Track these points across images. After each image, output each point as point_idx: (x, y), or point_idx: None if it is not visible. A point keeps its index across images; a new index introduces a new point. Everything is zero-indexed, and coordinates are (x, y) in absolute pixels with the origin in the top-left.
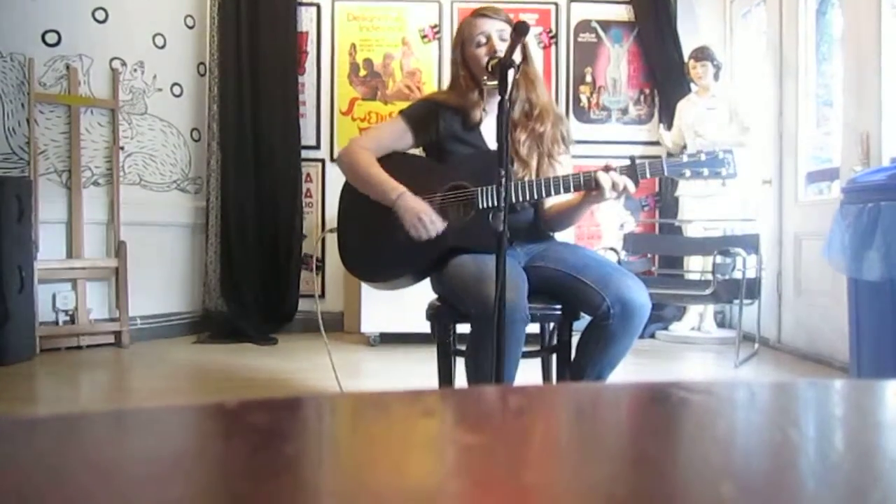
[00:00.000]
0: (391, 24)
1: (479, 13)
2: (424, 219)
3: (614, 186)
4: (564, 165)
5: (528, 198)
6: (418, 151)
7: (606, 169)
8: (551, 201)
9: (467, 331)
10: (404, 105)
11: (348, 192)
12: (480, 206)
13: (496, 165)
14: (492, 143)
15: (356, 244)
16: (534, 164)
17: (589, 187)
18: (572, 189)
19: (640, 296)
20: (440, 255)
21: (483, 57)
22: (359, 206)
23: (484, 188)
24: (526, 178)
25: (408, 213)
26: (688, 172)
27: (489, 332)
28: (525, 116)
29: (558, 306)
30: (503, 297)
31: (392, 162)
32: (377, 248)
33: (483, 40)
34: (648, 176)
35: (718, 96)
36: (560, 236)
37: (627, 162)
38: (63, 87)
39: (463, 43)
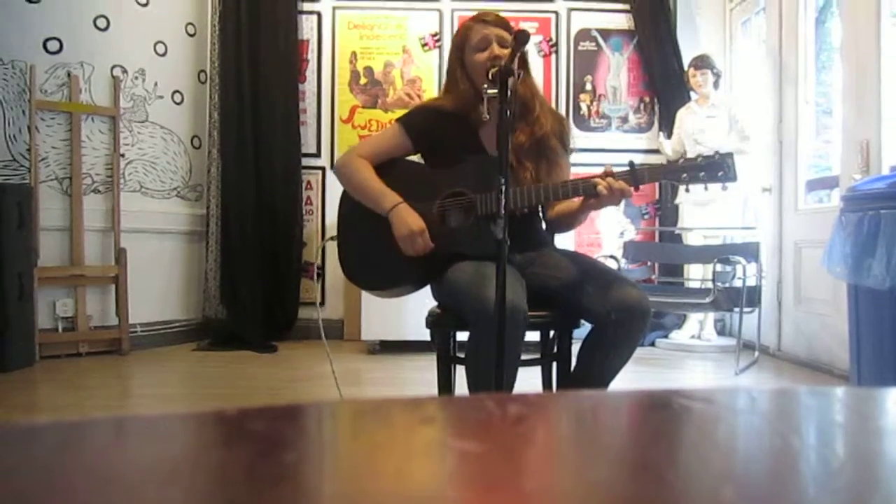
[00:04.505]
0: (392, 33)
1: (479, 19)
2: (416, 235)
3: (612, 192)
4: (564, 169)
5: (527, 204)
6: (417, 158)
7: (606, 175)
8: (554, 205)
9: (467, 338)
10: (405, 113)
11: (346, 201)
12: (480, 213)
13: (496, 172)
14: (491, 148)
15: (356, 253)
16: (533, 167)
17: (588, 193)
18: (571, 195)
19: (641, 302)
20: (440, 263)
21: (484, 63)
22: (357, 214)
23: (483, 195)
24: (527, 181)
25: (400, 227)
26: (687, 177)
27: (488, 333)
28: (525, 122)
29: (558, 313)
30: (503, 302)
31: (391, 170)
32: (377, 256)
33: (483, 46)
34: (647, 181)
35: (718, 104)
36: (559, 243)
37: (627, 168)
38: (64, 95)
39: (462, 48)
